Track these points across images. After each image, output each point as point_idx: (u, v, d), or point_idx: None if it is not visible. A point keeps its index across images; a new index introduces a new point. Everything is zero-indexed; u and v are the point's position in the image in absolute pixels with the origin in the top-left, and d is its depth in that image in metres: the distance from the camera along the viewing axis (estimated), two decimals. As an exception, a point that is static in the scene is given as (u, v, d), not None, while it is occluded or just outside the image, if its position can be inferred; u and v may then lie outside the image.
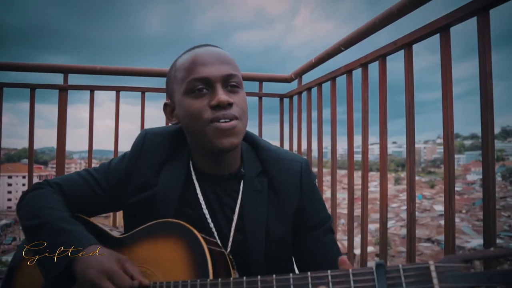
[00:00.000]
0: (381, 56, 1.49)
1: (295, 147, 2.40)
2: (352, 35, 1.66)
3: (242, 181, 0.97)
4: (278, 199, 0.97)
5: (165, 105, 0.99)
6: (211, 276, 0.77)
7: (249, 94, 2.52)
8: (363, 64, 1.61)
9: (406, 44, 1.34)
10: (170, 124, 1.01)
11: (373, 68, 1.58)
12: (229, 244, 0.94)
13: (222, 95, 0.86)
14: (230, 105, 0.87)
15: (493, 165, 1.05)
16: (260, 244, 0.94)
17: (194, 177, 0.98)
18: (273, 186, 0.97)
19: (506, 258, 0.57)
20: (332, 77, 1.88)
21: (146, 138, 1.01)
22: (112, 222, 2.31)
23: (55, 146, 2.30)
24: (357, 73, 1.74)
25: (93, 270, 0.78)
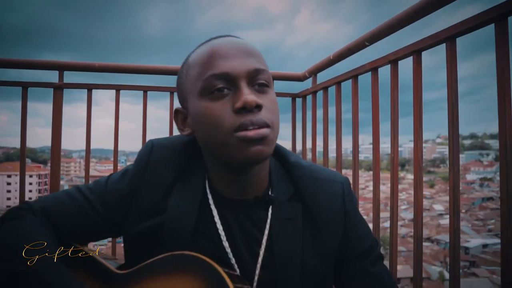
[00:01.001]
0: (415, 51, 1.32)
1: (309, 150, 2.24)
2: (380, 27, 1.49)
3: (270, 206, 0.79)
4: (316, 228, 0.79)
5: (176, 111, 0.80)
6: None
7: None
8: (392, 60, 1.44)
9: (449, 37, 1.17)
10: (180, 134, 0.82)
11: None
12: (255, 284, 0.76)
13: (249, 95, 0.67)
14: (258, 107, 0.68)
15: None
16: (294, 284, 0.75)
17: (211, 202, 0.79)
18: (308, 213, 0.79)
19: None
20: (354, 75, 1.71)
21: (153, 152, 0.81)
22: (111, 250, 2.05)
23: (47, 144, 2.14)
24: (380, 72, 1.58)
25: None
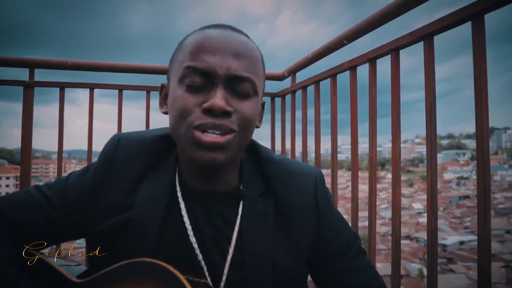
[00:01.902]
0: (393, 49, 1.31)
1: (288, 148, 2.21)
2: (358, 26, 1.47)
3: (241, 202, 0.76)
4: (288, 225, 0.76)
5: (162, 86, 0.79)
6: None
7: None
8: (371, 59, 1.43)
9: (427, 35, 1.16)
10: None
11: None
12: (222, 284, 0.72)
13: (218, 99, 0.65)
14: (227, 114, 0.66)
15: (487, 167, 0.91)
16: (265, 283, 0.72)
17: (179, 195, 0.75)
18: (280, 209, 0.76)
19: None
20: (332, 74, 1.70)
21: (120, 146, 0.77)
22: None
23: (33, 146, 2.05)
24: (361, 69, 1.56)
25: None
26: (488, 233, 0.94)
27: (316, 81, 1.84)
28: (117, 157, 0.76)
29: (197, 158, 0.67)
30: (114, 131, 1.84)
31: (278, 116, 2.34)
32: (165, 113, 0.75)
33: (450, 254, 39.45)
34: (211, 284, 0.71)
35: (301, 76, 2.18)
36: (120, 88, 2.11)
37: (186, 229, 0.73)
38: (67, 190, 0.77)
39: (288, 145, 2.21)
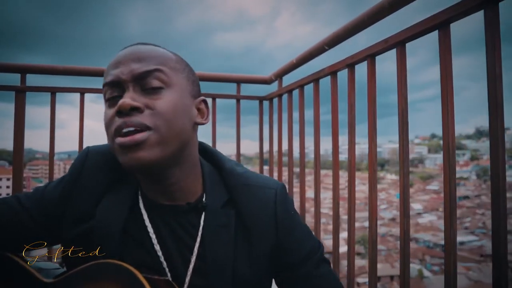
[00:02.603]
0: (369, 56, 1.35)
1: (275, 149, 2.26)
2: (338, 32, 1.52)
3: (203, 213, 0.79)
4: (248, 235, 0.79)
5: None
6: None
7: (227, 96, 2.37)
8: (350, 64, 1.47)
9: (399, 43, 1.21)
10: None
11: (359, 69, 1.47)
12: None
13: (125, 98, 0.68)
14: (137, 110, 0.69)
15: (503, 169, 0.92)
16: None
17: (141, 206, 0.79)
18: (242, 220, 0.80)
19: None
20: (315, 79, 1.74)
21: (88, 158, 0.81)
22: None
23: (33, 147, 2.10)
24: (342, 74, 1.60)
25: None
26: (505, 234, 0.90)
27: (300, 85, 1.88)
28: (85, 169, 0.80)
29: (125, 163, 0.69)
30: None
31: (266, 118, 2.38)
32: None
33: (450, 255, 39.35)
34: (170, 279, 0.74)
35: (290, 79, 2.23)
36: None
37: (150, 238, 0.77)
38: (42, 200, 0.81)
39: (275, 146, 2.26)
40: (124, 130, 0.68)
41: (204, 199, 0.80)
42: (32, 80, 2.06)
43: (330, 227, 1.75)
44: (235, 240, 0.78)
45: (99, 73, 2.16)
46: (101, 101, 0.78)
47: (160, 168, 0.73)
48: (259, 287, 0.81)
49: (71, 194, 0.79)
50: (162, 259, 0.76)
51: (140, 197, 0.80)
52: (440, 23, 1.05)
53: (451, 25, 1.05)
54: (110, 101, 0.72)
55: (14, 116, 2.04)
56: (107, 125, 0.71)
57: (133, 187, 0.81)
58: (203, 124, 0.81)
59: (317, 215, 1.72)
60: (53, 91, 2.06)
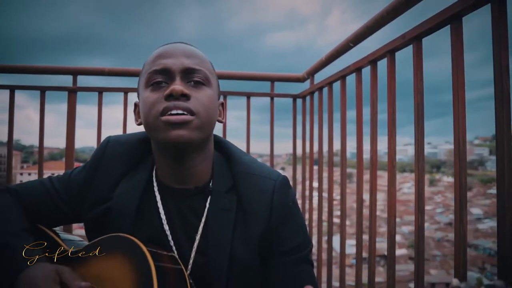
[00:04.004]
0: (389, 51, 1.36)
1: (307, 149, 2.29)
2: (361, 29, 1.54)
3: (209, 197, 0.88)
4: (245, 219, 0.86)
5: (135, 105, 0.93)
6: None
7: (261, 94, 2.44)
8: (372, 61, 1.49)
9: (415, 38, 1.21)
10: (136, 132, 0.93)
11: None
12: (190, 266, 0.85)
13: (176, 85, 0.79)
14: (186, 96, 0.79)
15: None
16: (222, 269, 0.83)
17: (156, 190, 0.89)
18: (242, 205, 0.87)
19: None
20: (342, 76, 1.76)
21: (108, 147, 0.93)
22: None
23: (95, 145, 2.29)
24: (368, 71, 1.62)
25: None
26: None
27: (328, 82, 1.92)
28: (105, 156, 0.92)
29: (167, 138, 0.78)
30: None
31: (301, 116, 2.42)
32: (139, 124, 0.89)
33: None
34: (176, 256, 0.84)
35: (322, 76, 2.25)
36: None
37: (161, 218, 0.87)
38: (69, 183, 0.94)
39: (307, 143, 2.29)
40: (173, 112, 0.78)
41: (211, 184, 0.89)
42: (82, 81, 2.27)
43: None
44: (234, 223, 0.86)
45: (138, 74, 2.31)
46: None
47: (191, 149, 0.83)
48: (252, 268, 0.87)
49: (92, 178, 0.91)
50: (170, 238, 0.86)
51: (154, 181, 0.90)
52: (452, 16, 1.05)
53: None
54: (155, 86, 0.81)
55: (66, 115, 2.26)
56: (151, 105, 0.80)
57: (148, 172, 0.91)
58: (221, 122, 0.92)
59: (343, 214, 1.74)
60: (100, 91, 2.25)
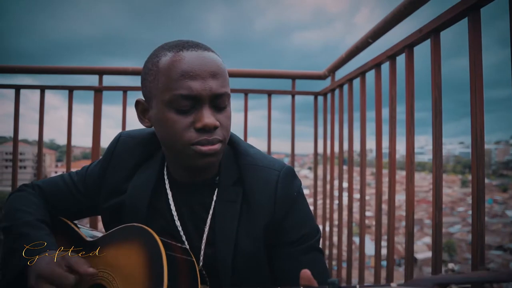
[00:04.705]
0: (407, 46, 1.34)
1: (328, 146, 2.28)
2: (380, 25, 1.52)
3: (216, 189, 0.90)
4: (250, 210, 0.87)
5: (137, 102, 0.88)
6: (165, 286, 0.71)
7: (282, 92, 2.45)
8: (390, 56, 1.47)
9: (433, 31, 1.19)
10: (148, 127, 0.91)
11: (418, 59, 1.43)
12: (201, 257, 0.88)
13: (208, 118, 0.78)
14: (215, 128, 0.80)
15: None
16: (228, 260, 0.85)
17: (167, 186, 0.92)
18: (246, 197, 0.88)
19: (496, 283, 0.45)
20: (361, 72, 1.75)
21: (120, 141, 0.97)
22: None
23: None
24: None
25: (32, 276, 0.78)
26: None
27: (348, 79, 1.90)
28: (116, 149, 0.96)
29: (199, 165, 0.81)
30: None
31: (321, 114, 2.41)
32: (149, 126, 0.88)
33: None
34: (188, 247, 0.87)
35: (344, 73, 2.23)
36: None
37: (172, 214, 0.90)
38: (86, 176, 0.99)
39: (328, 141, 2.28)
40: (204, 143, 0.79)
41: (217, 177, 0.91)
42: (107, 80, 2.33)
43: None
44: (239, 215, 0.87)
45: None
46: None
47: None
48: (257, 260, 0.88)
49: (106, 172, 0.95)
50: (182, 233, 0.89)
51: (166, 176, 0.93)
52: (469, 8, 1.03)
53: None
54: (181, 110, 0.79)
55: (93, 114, 2.33)
56: (180, 132, 0.79)
57: (157, 167, 0.94)
58: None
59: (350, 212, 1.73)
60: (125, 90, 2.31)
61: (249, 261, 0.87)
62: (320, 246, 0.95)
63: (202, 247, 0.88)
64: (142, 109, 0.88)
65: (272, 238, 0.88)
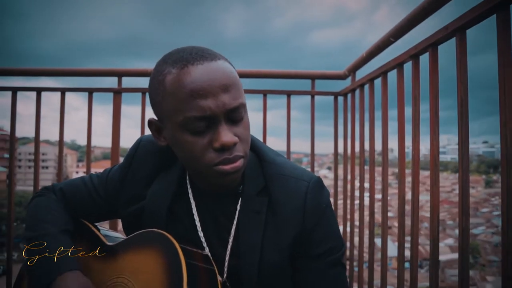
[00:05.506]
0: (431, 45, 1.29)
1: (349, 146, 2.24)
2: (402, 23, 1.47)
3: (240, 199, 0.87)
4: (276, 221, 0.84)
5: (150, 122, 0.84)
6: None
7: (301, 92, 2.41)
8: (413, 55, 1.42)
9: (459, 29, 1.14)
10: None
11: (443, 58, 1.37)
12: (225, 269, 0.85)
13: (225, 136, 0.74)
14: (235, 144, 0.76)
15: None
16: (253, 271, 0.82)
17: (190, 194, 0.89)
18: (273, 207, 0.85)
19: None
20: (383, 72, 1.70)
21: (140, 146, 0.94)
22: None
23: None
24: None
25: None
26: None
27: (370, 79, 1.86)
28: (137, 155, 0.94)
29: (218, 183, 0.80)
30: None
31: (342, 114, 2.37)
32: (166, 145, 0.84)
33: None
34: (209, 255, 0.85)
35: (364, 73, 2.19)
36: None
37: (194, 220, 0.88)
38: (107, 181, 0.97)
39: (349, 140, 2.24)
40: (227, 162, 0.76)
41: (242, 186, 0.88)
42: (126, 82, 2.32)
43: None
44: (264, 226, 0.84)
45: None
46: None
47: None
48: (282, 272, 0.86)
49: (126, 177, 0.93)
50: (205, 244, 0.87)
51: (188, 184, 0.91)
52: (498, 5, 0.98)
53: None
54: (196, 132, 0.75)
55: (112, 116, 2.36)
56: (200, 154, 0.75)
57: (180, 173, 0.91)
58: None
59: (372, 214, 1.68)
60: (144, 91, 2.32)
61: (274, 272, 0.84)
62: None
63: (227, 258, 0.86)
64: (156, 129, 0.84)
65: (298, 250, 0.86)
